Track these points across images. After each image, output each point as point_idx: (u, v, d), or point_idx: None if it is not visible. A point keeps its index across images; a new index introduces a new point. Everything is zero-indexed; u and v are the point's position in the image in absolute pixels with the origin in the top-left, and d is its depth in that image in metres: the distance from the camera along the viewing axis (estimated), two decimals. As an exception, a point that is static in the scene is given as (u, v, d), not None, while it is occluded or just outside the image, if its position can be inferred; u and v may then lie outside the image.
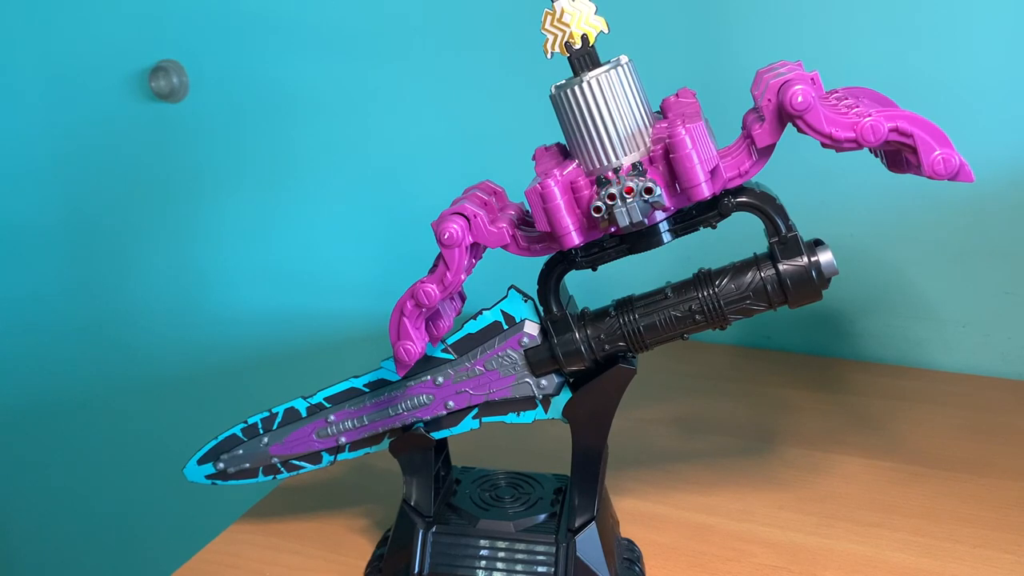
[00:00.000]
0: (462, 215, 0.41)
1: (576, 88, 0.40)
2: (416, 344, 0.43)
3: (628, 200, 0.37)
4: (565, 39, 0.41)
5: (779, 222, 0.42)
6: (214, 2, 0.97)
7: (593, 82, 0.39)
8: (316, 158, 0.99)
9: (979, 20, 0.71)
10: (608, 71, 0.40)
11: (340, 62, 0.94)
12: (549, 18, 0.41)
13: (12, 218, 1.16)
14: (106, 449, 1.23)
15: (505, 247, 0.43)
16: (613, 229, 0.39)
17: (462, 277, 0.41)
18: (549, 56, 0.42)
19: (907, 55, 0.74)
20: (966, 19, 0.71)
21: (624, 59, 0.41)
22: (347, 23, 0.93)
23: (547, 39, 0.41)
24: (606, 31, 0.41)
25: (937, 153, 0.35)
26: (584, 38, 0.40)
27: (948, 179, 0.36)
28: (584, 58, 0.40)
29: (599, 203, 0.38)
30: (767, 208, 0.42)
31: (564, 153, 0.44)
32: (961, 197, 0.73)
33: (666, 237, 0.43)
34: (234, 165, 1.02)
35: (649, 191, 0.37)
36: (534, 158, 0.45)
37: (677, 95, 0.44)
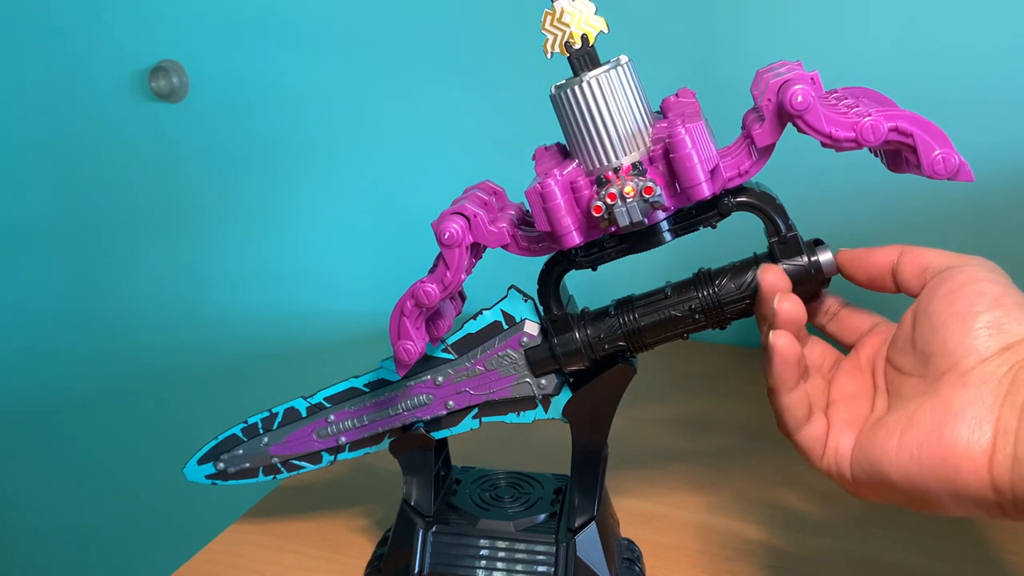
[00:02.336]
0: (462, 215, 0.41)
1: (576, 88, 0.40)
2: (416, 344, 0.43)
3: (628, 200, 0.37)
4: (565, 39, 0.41)
5: (779, 222, 0.42)
6: (214, 2, 0.97)
7: (593, 82, 0.39)
8: (316, 158, 0.99)
9: (979, 20, 0.71)
10: (608, 71, 0.39)
11: (340, 62, 0.94)
12: (549, 18, 0.41)
13: (11, 218, 1.16)
14: (106, 449, 1.23)
15: (505, 247, 0.43)
16: (613, 229, 0.39)
17: (462, 277, 0.41)
18: (549, 56, 0.41)
19: (907, 55, 0.74)
20: (966, 19, 0.71)
21: (624, 59, 0.41)
22: (347, 23, 0.93)
23: (547, 39, 0.41)
24: (606, 31, 0.41)
25: (937, 153, 0.35)
26: (584, 38, 0.40)
27: (948, 178, 0.36)
28: (584, 58, 0.40)
29: (599, 203, 0.38)
30: (767, 208, 0.42)
31: (564, 153, 0.44)
32: (961, 197, 0.73)
33: (666, 237, 0.43)
34: (234, 165, 1.02)
35: (649, 191, 0.37)
36: (534, 158, 0.45)
37: (677, 95, 0.43)
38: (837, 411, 0.39)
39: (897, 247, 0.39)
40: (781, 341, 0.37)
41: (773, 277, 0.39)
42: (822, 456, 0.38)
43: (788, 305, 0.37)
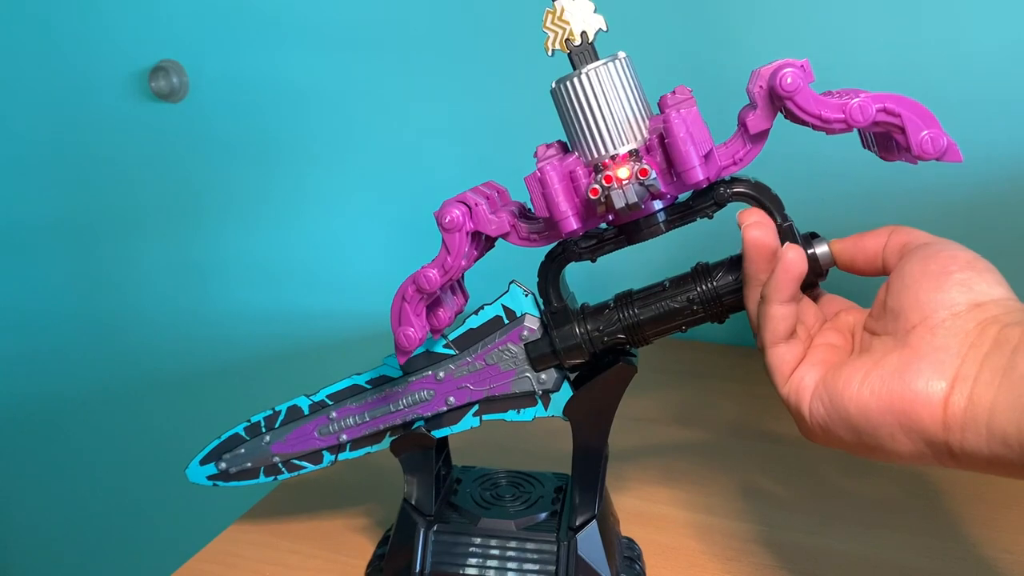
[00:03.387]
0: (463, 203, 0.42)
1: (574, 80, 0.41)
2: (417, 330, 0.44)
3: (624, 182, 0.38)
4: (565, 36, 0.42)
5: (775, 213, 0.43)
6: (214, 2, 0.97)
7: (592, 74, 0.40)
8: (316, 157, 0.99)
9: (980, 19, 0.72)
10: (605, 64, 0.41)
11: (340, 62, 0.95)
12: (550, 16, 0.42)
13: (12, 218, 1.16)
14: (106, 449, 1.23)
15: (505, 236, 0.43)
16: (611, 216, 0.40)
17: (462, 262, 0.42)
18: (550, 53, 0.43)
19: (907, 54, 0.74)
20: (967, 18, 0.72)
21: (622, 54, 0.42)
22: (347, 23, 0.93)
23: (548, 37, 0.42)
24: (605, 29, 0.42)
25: (925, 133, 0.36)
26: (584, 35, 0.42)
27: (936, 159, 0.37)
28: (583, 55, 0.41)
29: (596, 185, 0.39)
30: (763, 199, 0.43)
31: (565, 151, 0.45)
32: (960, 194, 0.73)
33: (663, 227, 0.43)
34: (234, 165, 1.03)
35: (644, 173, 0.38)
36: (535, 156, 0.46)
37: (674, 92, 0.45)
38: (815, 352, 0.40)
39: (887, 228, 0.41)
40: (791, 254, 0.39)
41: (760, 234, 0.40)
42: (787, 380, 0.40)
43: (793, 254, 0.39)
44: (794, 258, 0.39)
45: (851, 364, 0.37)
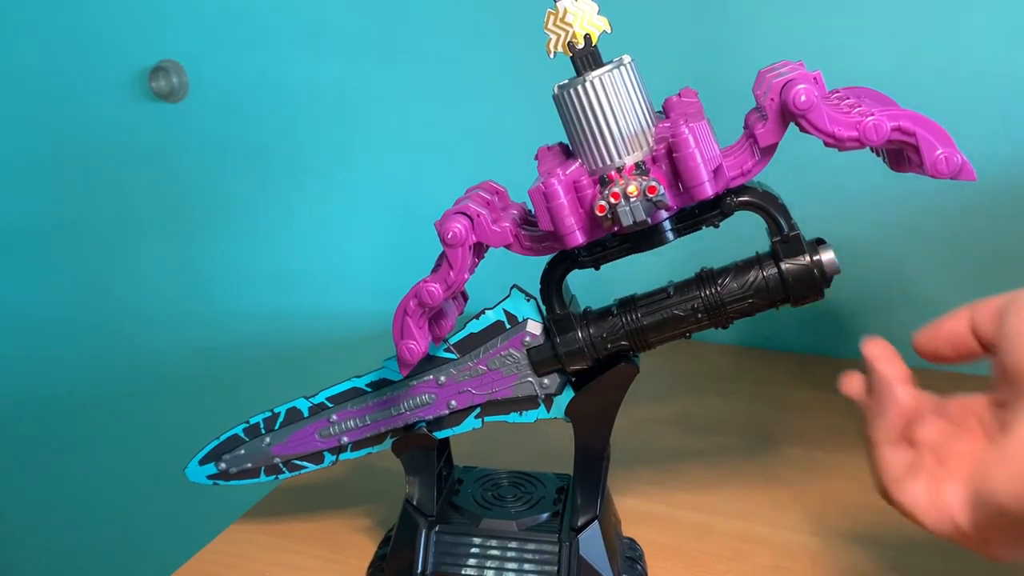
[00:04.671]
0: (465, 214, 0.41)
1: (579, 88, 0.40)
2: (419, 343, 0.43)
3: (632, 199, 0.37)
4: (568, 39, 0.41)
5: (781, 221, 0.42)
6: (214, 2, 0.97)
7: (596, 82, 0.39)
8: (316, 158, 0.99)
9: (981, 19, 0.71)
10: (611, 71, 0.40)
11: (341, 62, 0.94)
12: (552, 18, 0.41)
13: (12, 218, 1.16)
14: (106, 449, 1.23)
15: (508, 247, 0.43)
16: (616, 228, 0.39)
17: (465, 276, 0.41)
18: (552, 56, 0.42)
19: (909, 55, 0.74)
20: (968, 18, 0.71)
21: (627, 59, 0.41)
22: (348, 23, 0.93)
23: (550, 39, 0.41)
24: (608, 31, 0.41)
25: (939, 152, 0.36)
26: (587, 38, 0.40)
27: (950, 178, 0.36)
28: (587, 58, 0.40)
29: (603, 202, 0.38)
30: (770, 207, 0.42)
31: (566, 153, 0.44)
32: (963, 196, 0.73)
33: (669, 236, 0.43)
34: (234, 165, 1.02)
35: (652, 190, 0.37)
36: (536, 158, 0.45)
37: (679, 95, 0.44)
38: (949, 464, 0.36)
39: (965, 308, 0.37)
40: (901, 393, 0.36)
41: (889, 369, 0.37)
42: (934, 516, 0.35)
43: (903, 393, 0.37)
44: (906, 399, 0.36)
45: (989, 457, 0.33)
